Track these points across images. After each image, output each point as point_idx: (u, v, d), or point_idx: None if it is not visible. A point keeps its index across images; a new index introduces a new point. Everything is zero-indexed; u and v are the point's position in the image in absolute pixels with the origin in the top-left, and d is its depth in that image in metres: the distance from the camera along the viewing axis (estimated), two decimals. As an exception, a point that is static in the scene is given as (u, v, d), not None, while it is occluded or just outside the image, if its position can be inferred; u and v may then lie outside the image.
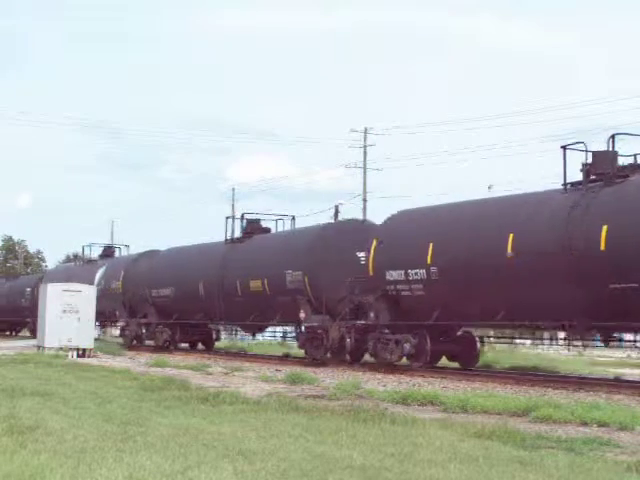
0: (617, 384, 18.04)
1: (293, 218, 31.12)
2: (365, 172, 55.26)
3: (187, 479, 6.78)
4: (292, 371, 19.86)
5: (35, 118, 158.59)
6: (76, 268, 45.98)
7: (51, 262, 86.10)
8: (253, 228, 31.54)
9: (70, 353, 26.86)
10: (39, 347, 29.21)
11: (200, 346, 36.20)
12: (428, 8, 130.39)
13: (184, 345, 36.31)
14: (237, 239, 31.52)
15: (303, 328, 26.34)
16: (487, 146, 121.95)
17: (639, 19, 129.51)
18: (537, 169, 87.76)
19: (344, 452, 8.20)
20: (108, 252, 45.44)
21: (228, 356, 30.09)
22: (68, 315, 28.63)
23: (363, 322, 23.82)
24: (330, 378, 19.55)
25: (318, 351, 25.59)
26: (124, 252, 45.08)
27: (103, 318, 39.65)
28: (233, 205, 67.25)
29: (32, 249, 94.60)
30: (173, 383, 15.85)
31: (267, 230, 31.60)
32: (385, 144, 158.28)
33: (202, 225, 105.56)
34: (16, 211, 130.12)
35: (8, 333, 56.92)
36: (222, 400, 12.90)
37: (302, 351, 27.27)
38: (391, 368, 22.50)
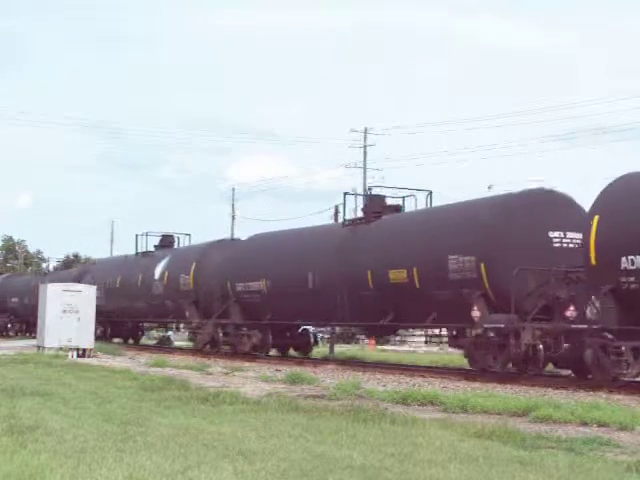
0: (616, 384, 18.00)
1: (430, 194, 24.93)
2: (365, 172, 55.28)
3: (187, 479, 6.78)
4: (292, 371, 19.86)
5: (35, 118, 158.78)
6: (129, 261, 39.59)
7: (51, 262, 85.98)
8: (379, 206, 25.32)
9: (70, 353, 26.85)
10: (39, 347, 29.21)
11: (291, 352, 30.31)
12: (428, 8, 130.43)
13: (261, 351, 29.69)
14: (359, 220, 25.76)
15: (473, 331, 20.51)
16: (487, 146, 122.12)
17: (639, 19, 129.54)
18: (537, 169, 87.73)
19: (344, 452, 8.20)
20: (166, 242, 38.83)
21: (229, 356, 30.03)
22: (68, 315, 28.63)
23: (580, 325, 18.02)
24: (330, 378, 19.55)
25: (495, 361, 19.81)
26: (185, 242, 39.13)
27: (167, 319, 36.12)
28: (233, 205, 67.33)
29: (32, 249, 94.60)
30: (173, 383, 15.85)
31: (397, 208, 25.58)
32: (385, 144, 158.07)
33: (202, 225, 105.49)
34: (16, 211, 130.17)
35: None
36: (222, 400, 12.90)
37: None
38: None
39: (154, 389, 14.76)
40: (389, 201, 25.81)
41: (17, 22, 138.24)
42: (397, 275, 22.47)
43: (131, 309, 37.92)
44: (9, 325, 53.05)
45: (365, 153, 55.49)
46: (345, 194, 26.37)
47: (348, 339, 47.65)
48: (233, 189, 69.00)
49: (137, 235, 38.99)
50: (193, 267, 32.28)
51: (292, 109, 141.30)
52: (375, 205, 25.46)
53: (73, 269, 50.86)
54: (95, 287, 31.28)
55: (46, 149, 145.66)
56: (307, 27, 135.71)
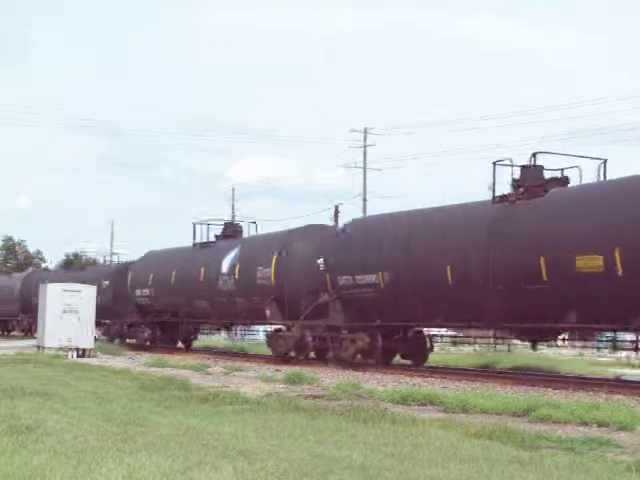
0: (617, 384, 18.03)
1: (604, 163, 19.62)
2: (365, 172, 55.28)
3: (187, 479, 6.78)
4: (292, 371, 19.86)
5: (35, 118, 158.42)
6: (186, 253, 33.93)
7: (51, 262, 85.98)
8: (539, 179, 20.39)
9: (70, 353, 26.87)
10: (39, 347, 29.24)
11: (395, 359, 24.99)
12: (428, 8, 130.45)
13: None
14: (516, 195, 20.30)
15: None
16: (487, 146, 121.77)
17: (639, 19, 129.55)
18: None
19: (344, 452, 8.20)
20: (229, 231, 33.41)
21: (228, 356, 30.04)
22: (68, 315, 28.66)
23: None
24: (330, 378, 19.54)
25: None
26: (251, 231, 33.52)
27: (236, 319, 31.03)
28: (233, 205, 67.27)
29: (32, 249, 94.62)
30: (173, 383, 15.86)
31: (565, 181, 20.43)
32: (385, 144, 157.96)
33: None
34: (16, 211, 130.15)
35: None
36: (222, 400, 12.91)
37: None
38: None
39: (154, 389, 14.77)
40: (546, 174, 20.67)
41: (17, 22, 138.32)
42: (587, 263, 17.47)
43: (189, 308, 32.46)
44: (33, 326, 43.29)
45: (365, 153, 55.48)
46: (495, 163, 20.90)
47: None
48: (233, 189, 68.97)
49: (194, 224, 33.66)
50: (274, 258, 27.24)
51: (292, 109, 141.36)
52: (534, 177, 20.51)
53: (112, 264, 45.11)
54: (95, 287, 31.21)
55: (46, 149, 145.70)
56: (307, 27, 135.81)
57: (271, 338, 27.80)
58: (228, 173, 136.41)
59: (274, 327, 28.63)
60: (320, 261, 25.35)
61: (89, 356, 27.32)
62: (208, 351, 33.80)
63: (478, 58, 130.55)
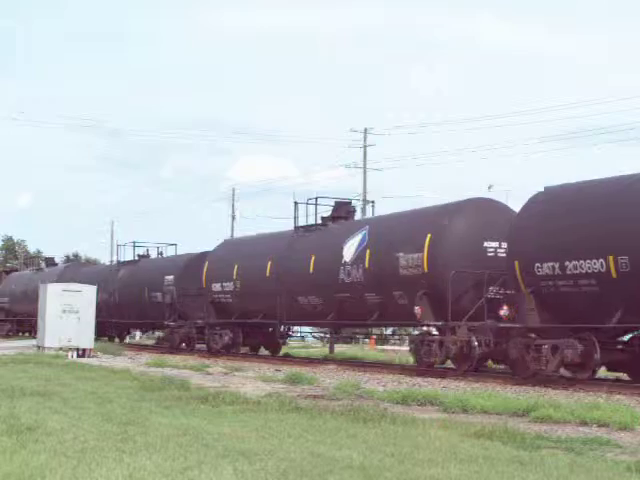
0: (617, 384, 18.03)
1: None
2: (365, 172, 55.23)
3: (187, 479, 6.78)
4: (292, 371, 19.85)
5: (35, 118, 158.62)
6: (284, 239, 28.38)
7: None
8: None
9: (70, 353, 26.87)
10: (39, 347, 29.22)
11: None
12: (428, 8, 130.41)
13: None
14: None
15: None
16: (487, 146, 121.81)
17: (639, 19, 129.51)
18: (537, 169, 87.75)
19: (344, 452, 8.20)
20: (342, 212, 27.28)
21: (227, 356, 30.01)
22: (68, 315, 28.64)
23: None
24: (330, 378, 19.54)
25: None
26: (373, 211, 29.09)
27: (366, 319, 23.88)
28: (233, 205, 67.17)
29: (32, 249, 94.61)
30: (173, 383, 15.85)
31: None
32: (385, 144, 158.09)
33: (202, 225, 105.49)
34: (16, 211, 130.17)
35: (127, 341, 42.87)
36: (222, 400, 12.90)
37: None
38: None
39: (154, 389, 14.76)
40: None
41: (17, 22, 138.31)
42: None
43: (291, 306, 26.99)
44: None
45: (365, 153, 55.41)
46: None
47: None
48: (233, 189, 68.85)
49: (296, 202, 27.99)
50: (427, 241, 21.40)
51: (292, 109, 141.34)
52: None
53: (177, 256, 38.08)
54: (95, 287, 31.13)
55: (46, 149, 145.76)
56: (307, 27, 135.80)
57: (420, 344, 21.74)
58: (228, 173, 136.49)
59: (416, 330, 23.76)
60: (491, 245, 21.14)
61: (89, 356, 27.31)
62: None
63: (478, 58, 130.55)
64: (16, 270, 58.25)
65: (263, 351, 31.75)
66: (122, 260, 41.36)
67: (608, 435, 10.12)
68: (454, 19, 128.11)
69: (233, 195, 68.10)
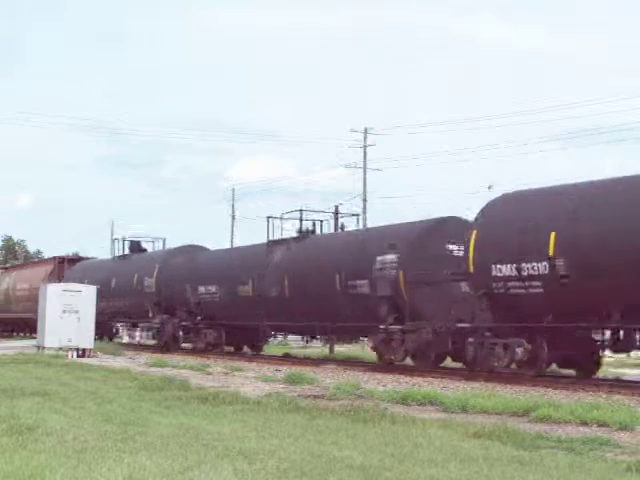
0: (617, 384, 18.04)
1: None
2: (365, 172, 55.19)
3: (187, 479, 6.78)
4: (292, 371, 19.86)
5: (35, 118, 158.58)
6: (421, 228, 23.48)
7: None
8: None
9: (70, 353, 26.87)
10: (39, 347, 29.22)
11: None
12: (428, 8, 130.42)
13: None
14: None
15: None
16: (487, 146, 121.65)
17: (639, 19, 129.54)
18: (537, 169, 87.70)
19: (344, 452, 8.20)
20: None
21: (228, 356, 29.98)
22: (68, 315, 28.64)
23: None
24: (330, 378, 19.55)
25: None
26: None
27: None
28: (233, 205, 67.06)
29: (32, 249, 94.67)
30: (173, 383, 15.86)
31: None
32: (385, 144, 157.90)
33: (202, 225, 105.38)
34: (16, 211, 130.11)
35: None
36: (222, 400, 12.91)
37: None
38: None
39: (154, 389, 14.77)
40: None
41: (16, 22, 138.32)
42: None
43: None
44: (180, 332, 33.70)
45: (365, 153, 55.34)
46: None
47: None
48: (233, 189, 68.72)
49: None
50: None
51: (292, 109, 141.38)
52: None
53: (257, 244, 31.34)
54: (95, 287, 31.13)
55: (46, 149, 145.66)
56: (307, 27, 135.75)
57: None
58: (228, 173, 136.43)
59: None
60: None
61: (89, 356, 27.32)
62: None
63: (478, 58, 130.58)
64: (84, 259, 48.74)
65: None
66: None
67: (608, 435, 10.12)
68: (454, 19, 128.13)
69: (233, 195, 68.03)
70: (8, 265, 66.82)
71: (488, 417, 11.83)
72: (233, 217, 67.29)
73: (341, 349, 37.44)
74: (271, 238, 29.73)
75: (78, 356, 26.92)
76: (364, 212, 52.39)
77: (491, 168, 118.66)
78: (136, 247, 40.86)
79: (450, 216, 23.44)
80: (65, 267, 45.37)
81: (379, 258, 22.86)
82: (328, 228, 29.96)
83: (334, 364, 25.52)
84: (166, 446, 8.22)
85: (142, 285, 35.97)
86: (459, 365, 23.98)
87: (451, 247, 22.15)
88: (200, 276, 32.26)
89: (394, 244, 22.64)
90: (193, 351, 32.21)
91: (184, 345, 33.45)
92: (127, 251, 40.77)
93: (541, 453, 8.60)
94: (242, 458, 7.69)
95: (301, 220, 29.54)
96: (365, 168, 55.41)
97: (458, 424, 10.51)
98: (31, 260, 79.72)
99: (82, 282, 37.52)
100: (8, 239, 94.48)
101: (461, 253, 21.17)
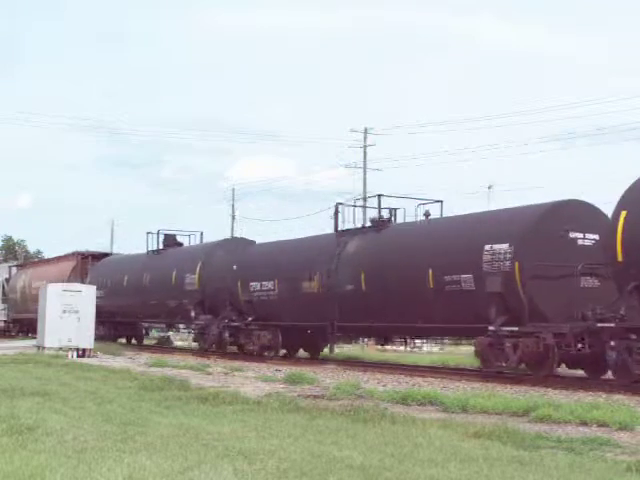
0: (617, 384, 18.01)
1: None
2: (365, 172, 55.26)
3: (187, 479, 6.78)
4: (292, 371, 19.86)
5: (35, 118, 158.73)
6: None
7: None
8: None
9: (70, 353, 26.86)
10: (39, 347, 29.22)
11: None
12: (428, 8, 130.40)
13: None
14: None
15: None
16: (487, 146, 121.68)
17: (639, 19, 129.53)
18: (537, 169, 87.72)
19: (344, 452, 8.20)
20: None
21: (228, 356, 29.96)
22: (68, 315, 28.63)
23: None
24: (330, 378, 19.55)
25: None
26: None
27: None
28: (233, 205, 67.09)
29: (32, 249, 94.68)
30: (173, 383, 15.86)
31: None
32: (385, 144, 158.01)
33: (202, 225, 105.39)
34: (16, 211, 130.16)
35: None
36: (222, 400, 12.91)
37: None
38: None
39: (154, 389, 14.77)
40: None
41: (16, 22, 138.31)
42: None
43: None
44: (225, 334, 31.02)
45: (365, 153, 55.44)
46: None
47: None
48: (233, 189, 68.76)
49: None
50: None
51: (292, 109, 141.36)
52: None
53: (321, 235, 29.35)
54: (95, 287, 31.11)
55: (46, 149, 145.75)
56: (307, 27, 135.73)
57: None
58: (228, 173, 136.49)
59: None
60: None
61: (89, 356, 27.31)
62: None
63: (478, 58, 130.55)
64: (109, 254, 44.88)
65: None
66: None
67: (608, 435, 10.11)
68: (454, 19, 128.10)
69: (233, 195, 68.10)
70: (18, 262, 65.51)
71: (488, 417, 11.83)
72: (233, 217, 67.40)
73: (341, 349, 37.46)
74: (341, 228, 26.50)
75: (78, 356, 26.91)
76: (364, 213, 52.32)
77: (491, 168, 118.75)
78: (172, 241, 37.20)
79: (570, 199, 20.39)
80: (89, 263, 42.07)
81: (487, 247, 19.90)
82: (403, 217, 25.87)
83: (334, 364, 25.53)
84: (166, 446, 8.22)
85: (182, 282, 32.65)
86: (457, 365, 23.94)
87: (574, 235, 19.38)
88: (253, 272, 28.93)
89: (508, 231, 19.65)
90: (241, 354, 29.42)
91: (230, 348, 30.61)
92: (161, 246, 37.10)
93: (541, 453, 8.60)
94: (242, 458, 7.69)
95: (379, 207, 25.73)
96: (365, 168, 55.48)
97: (458, 424, 10.50)
98: (39, 257, 79.14)
99: (110, 279, 37.80)
100: (8, 239, 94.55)
101: (586, 242, 19.10)
